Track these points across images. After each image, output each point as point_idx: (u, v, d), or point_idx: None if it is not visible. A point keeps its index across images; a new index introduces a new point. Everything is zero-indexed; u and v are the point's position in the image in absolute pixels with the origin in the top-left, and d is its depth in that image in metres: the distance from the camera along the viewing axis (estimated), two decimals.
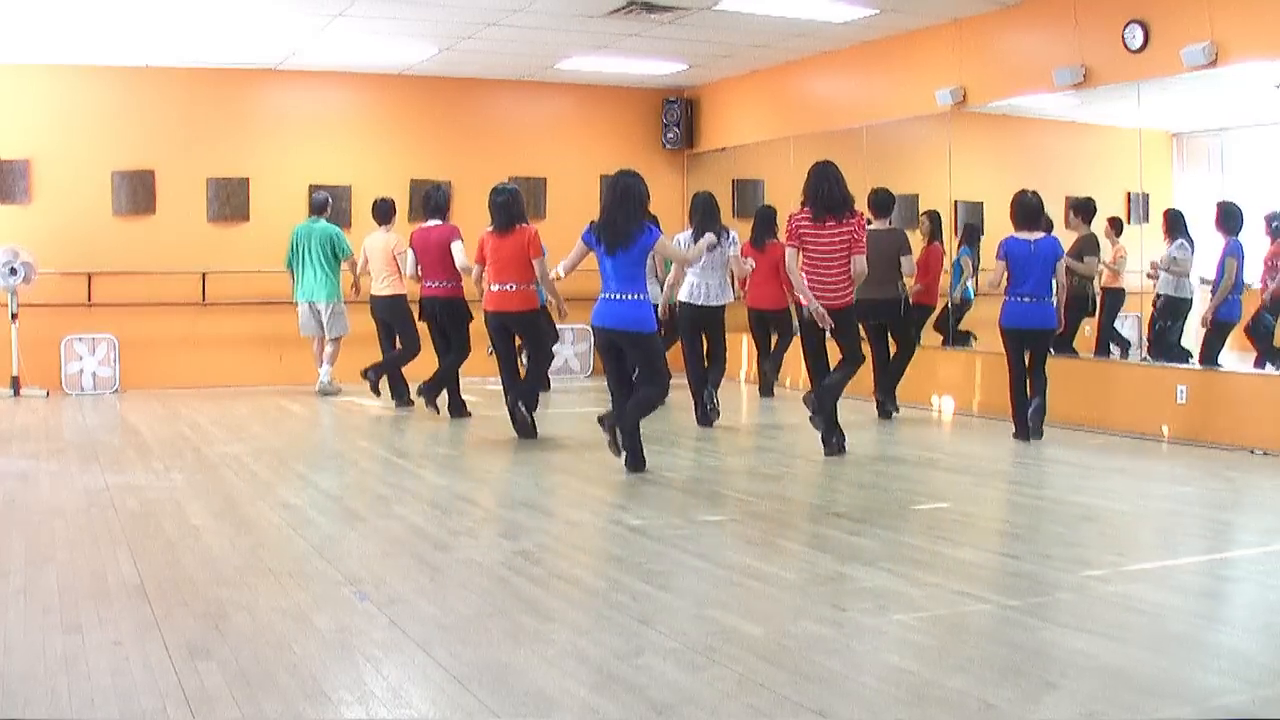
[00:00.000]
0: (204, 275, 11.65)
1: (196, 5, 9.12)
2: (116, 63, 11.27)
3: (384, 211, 10.12)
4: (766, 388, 10.60)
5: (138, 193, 11.60)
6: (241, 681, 3.40)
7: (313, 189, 11.78)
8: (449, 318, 8.98)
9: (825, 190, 7.05)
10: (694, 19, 9.73)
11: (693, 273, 8.44)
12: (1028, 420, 7.93)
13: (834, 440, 7.38)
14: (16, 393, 10.89)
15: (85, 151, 11.37)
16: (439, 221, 9.03)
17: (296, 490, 6.52)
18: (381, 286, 9.92)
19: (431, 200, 9.11)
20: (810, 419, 7.47)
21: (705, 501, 6.27)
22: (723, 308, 8.56)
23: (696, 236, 8.26)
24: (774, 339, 10.05)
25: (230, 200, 11.87)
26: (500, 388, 8.47)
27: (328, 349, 10.88)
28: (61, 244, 11.15)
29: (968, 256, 10.33)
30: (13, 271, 10.58)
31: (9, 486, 6.58)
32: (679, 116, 13.46)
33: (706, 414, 8.69)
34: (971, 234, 10.43)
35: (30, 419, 9.48)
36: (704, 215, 8.44)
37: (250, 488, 6.73)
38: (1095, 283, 9.65)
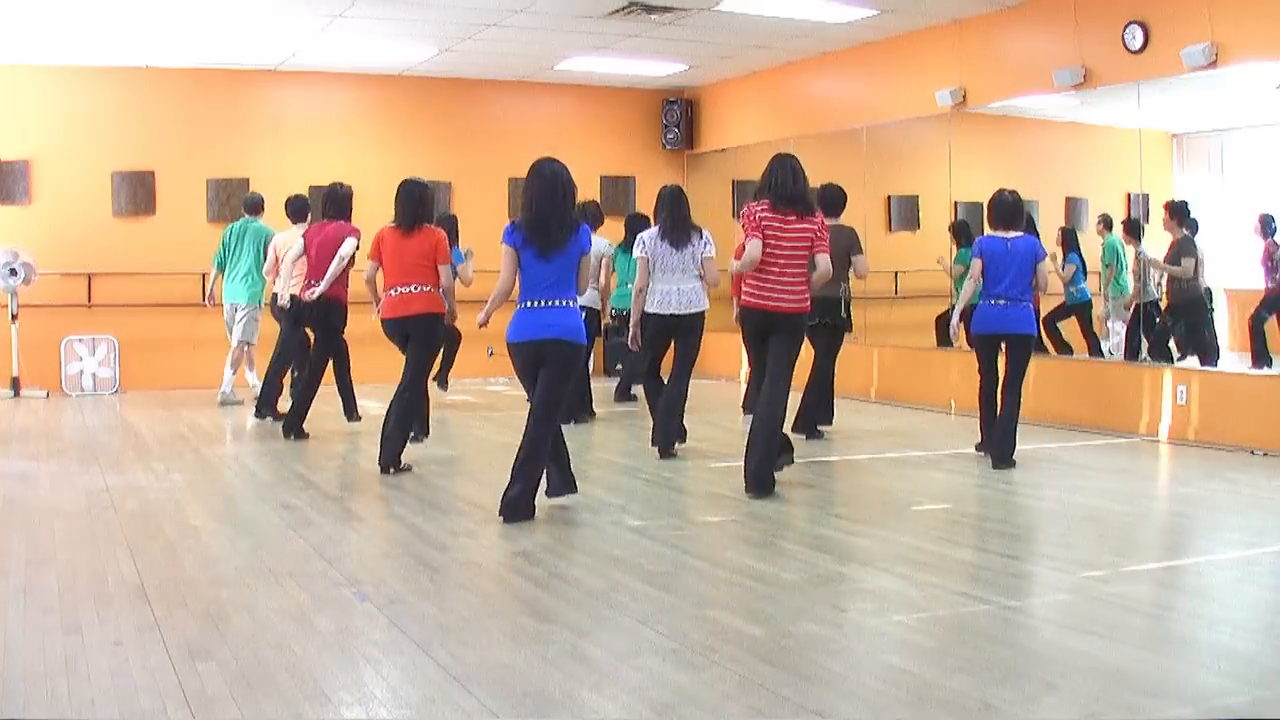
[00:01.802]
0: (204, 275, 11.64)
1: (196, 5, 9.12)
2: (116, 63, 11.28)
3: (299, 210, 9.62)
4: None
5: (138, 193, 11.61)
6: (241, 682, 3.40)
7: (313, 189, 11.74)
8: (325, 320, 8.22)
9: (781, 180, 6.29)
10: (694, 19, 9.73)
11: (659, 279, 7.38)
12: (997, 442, 7.13)
13: (782, 464, 6.56)
14: (16, 393, 10.89)
15: (85, 152, 11.38)
16: (338, 220, 8.25)
17: (296, 491, 6.51)
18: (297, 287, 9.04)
19: (335, 198, 8.26)
20: (751, 487, 6.31)
21: (705, 502, 6.27)
22: (701, 315, 7.50)
23: (663, 232, 7.33)
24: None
25: (230, 200, 11.85)
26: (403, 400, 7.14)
27: (237, 353, 10.42)
28: (61, 244, 11.16)
29: (1074, 264, 9.99)
30: (13, 272, 10.59)
31: (9, 487, 6.58)
32: (679, 117, 13.47)
33: (670, 439, 7.54)
34: (1070, 238, 10.10)
35: (30, 419, 9.48)
36: (670, 210, 7.38)
37: (250, 488, 6.74)
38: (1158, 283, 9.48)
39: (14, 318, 10.81)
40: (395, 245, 7.03)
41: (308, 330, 8.65)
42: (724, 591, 4.47)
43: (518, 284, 5.70)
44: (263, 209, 10.49)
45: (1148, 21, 8.12)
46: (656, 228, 7.44)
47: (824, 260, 6.38)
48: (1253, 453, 7.47)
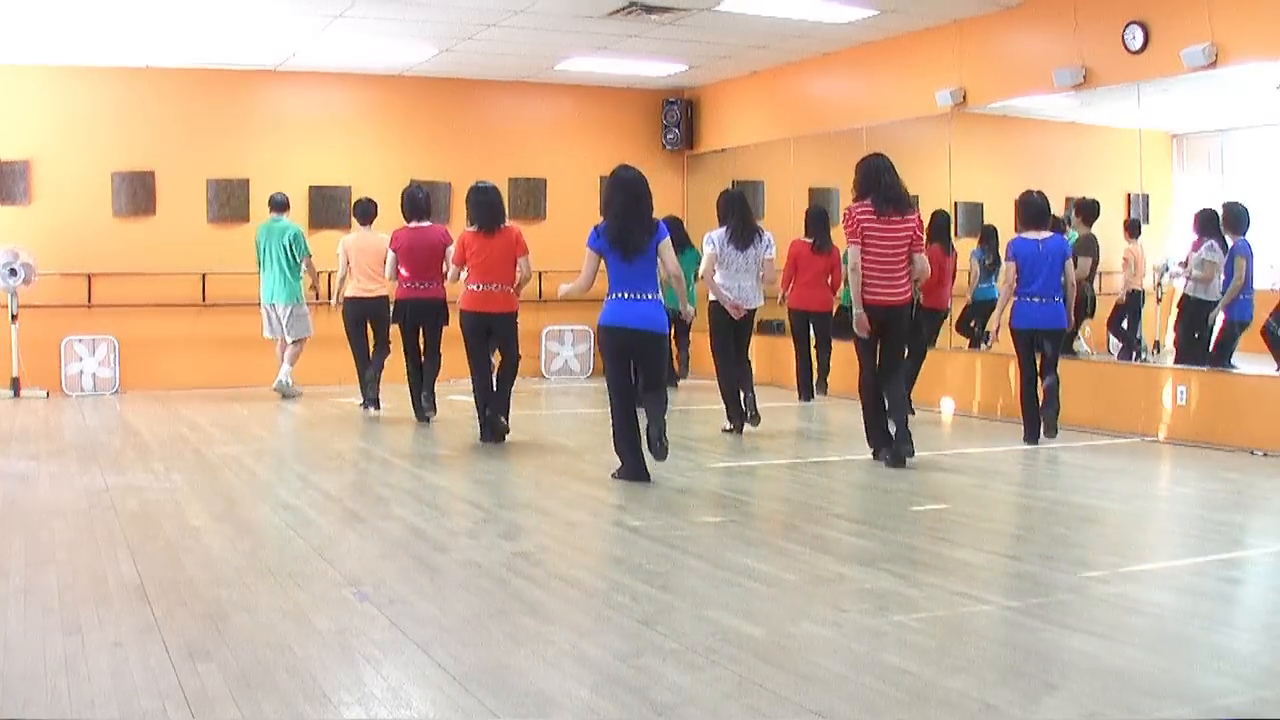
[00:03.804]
0: (204, 275, 11.66)
1: (196, 5, 9.12)
2: (116, 63, 11.28)
3: (367, 212, 9.82)
4: (807, 392, 10.26)
5: (138, 193, 11.61)
6: (241, 682, 3.40)
7: (312, 189, 11.79)
8: (434, 320, 8.79)
9: (885, 182, 6.75)
10: (694, 20, 9.73)
11: (724, 275, 8.02)
12: (1039, 421, 7.79)
13: (906, 448, 6.99)
14: (16, 393, 10.88)
15: (85, 152, 11.38)
16: (428, 223, 8.85)
17: (296, 491, 6.52)
18: (372, 287, 9.47)
19: (419, 201, 8.86)
20: (892, 449, 6.95)
21: (705, 502, 6.27)
22: (754, 311, 8.20)
23: (731, 235, 7.95)
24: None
25: (230, 200, 11.87)
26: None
27: (290, 350, 10.73)
28: (61, 245, 11.16)
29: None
30: (13, 272, 10.58)
31: (9, 487, 6.58)
32: (679, 117, 13.47)
33: (745, 418, 8.29)
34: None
35: (30, 420, 9.48)
36: (740, 214, 8.02)
37: (250, 488, 6.74)
38: (1095, 284, 9.56)
39: (14, 318, 10.80)
40: (480, 247, 7.81)
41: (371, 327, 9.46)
42: (724, 591, 4.46)
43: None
44: (288, 208, 10.67)
45: (1148, 21, 8.12)
46: (725, 229, 8.02)
47: (921, 259, 6.93)
48: (1253, 453, 7.47)
